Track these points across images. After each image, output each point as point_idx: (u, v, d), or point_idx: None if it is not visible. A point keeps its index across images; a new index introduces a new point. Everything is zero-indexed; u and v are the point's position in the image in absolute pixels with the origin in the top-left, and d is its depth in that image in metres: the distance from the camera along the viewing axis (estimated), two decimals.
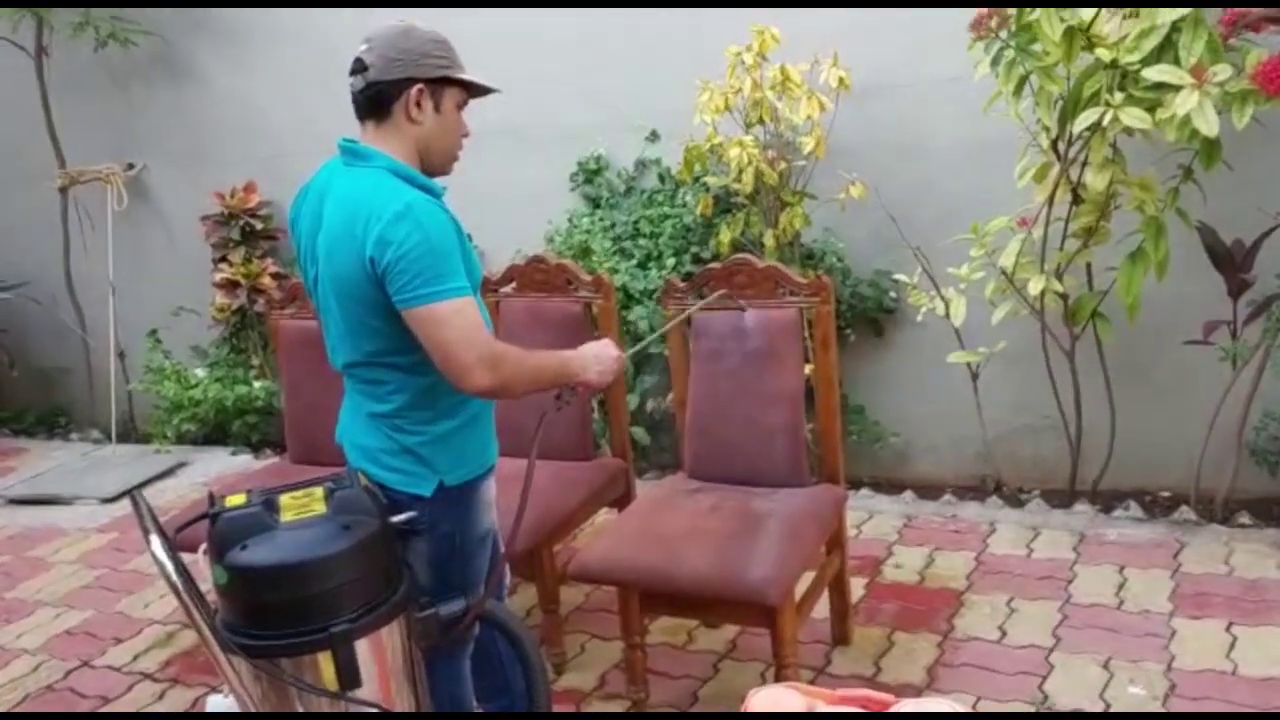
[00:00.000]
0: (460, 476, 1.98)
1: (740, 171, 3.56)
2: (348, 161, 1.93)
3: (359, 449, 2.01)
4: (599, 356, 2.09)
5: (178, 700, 2.95)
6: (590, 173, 4.29)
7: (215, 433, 5.15)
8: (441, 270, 1.80)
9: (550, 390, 2.04)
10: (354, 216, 1.83)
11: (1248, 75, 2.72)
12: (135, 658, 3.23)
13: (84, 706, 2.97)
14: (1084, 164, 3.11)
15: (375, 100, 1.90)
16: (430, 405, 1.94)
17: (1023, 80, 3.04)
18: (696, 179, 3.89)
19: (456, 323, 1.80)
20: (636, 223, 4.11)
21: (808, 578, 2.63)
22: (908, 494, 3.82)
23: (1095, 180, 3.06)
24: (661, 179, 4.18)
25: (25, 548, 4.19)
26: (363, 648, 1.63)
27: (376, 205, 1.81)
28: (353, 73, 1.91)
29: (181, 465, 4.95)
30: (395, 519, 1.75)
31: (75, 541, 4.21)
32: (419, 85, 1.89)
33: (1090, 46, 2.91)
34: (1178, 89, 2.74)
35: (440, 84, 1.92)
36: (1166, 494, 3.57)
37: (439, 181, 1.99)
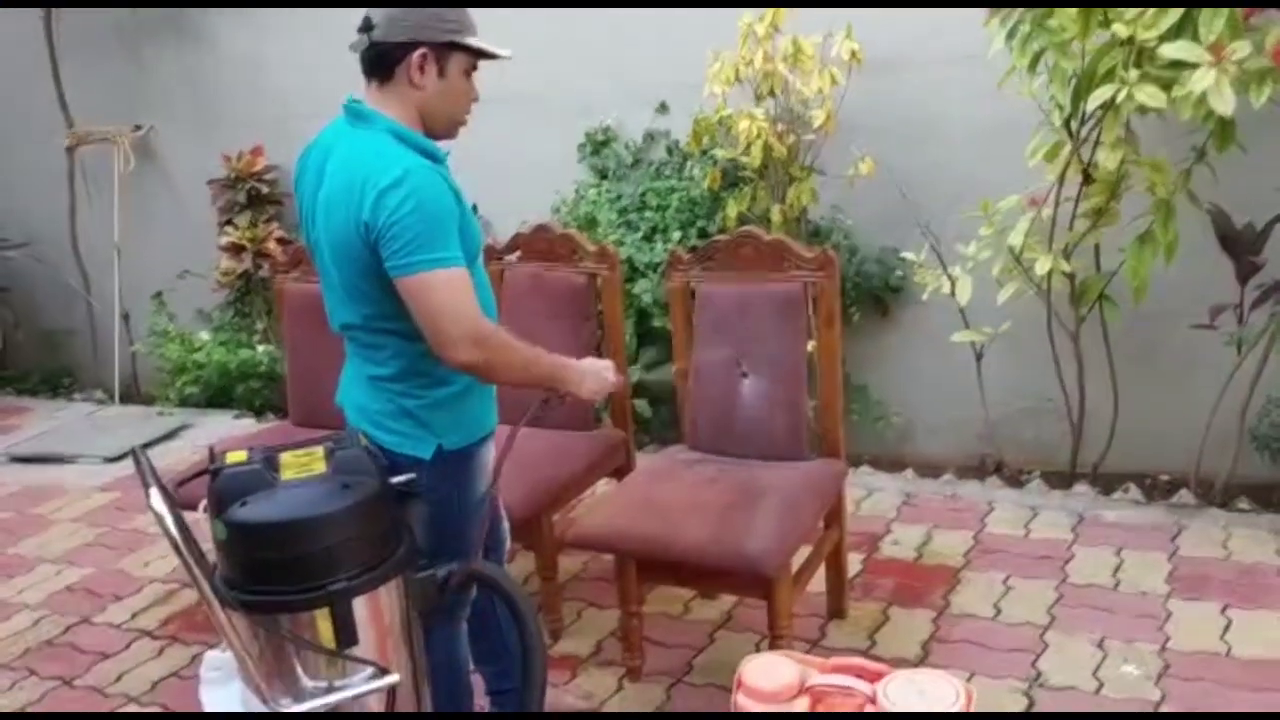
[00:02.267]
0: (459, 441, 1.99)
1: (749, 145, 3.54)
2: (351, 122, 1.92)
3: (359, 410, 2.01)
4: (597, 374, 2.08)
5: (176, 657, 2.98)
6: (598, 144, 4.27)
7: (218, 396, 5.16)
8: (434, 239, 1.78)
9: (537, 389, 2.01)
10: (352, 180, 1.82)
11: (1268, 53, 2.69)
12: (134, 615, 3.25)
13: (83, 661, 3.00)
14: (1096, 144, 3.09)
15: (379, 60, 1.88)
16: (429, 370, 1.93)
17: (1037, 56, 3.01)
18: (705, 152, 3.87)
19: (445, 293, 1.79)
20: (643, 195, 4.09)
21: (805, 551, 2.64)
22: (908, 472, 3.83)
23: (1107, 160, 3.04)
24: (670, 151, 4.17)
25: (28, 505, 4.21)
26: (360, 607, 1.63)
27: (374, 170, 1.79)
28: (360, 30, 1.89)
29: (184, 428, 4.96)
30: (395, 480, 1.75)
31: (77, 500, 4.23)
32: (423, 50, 1.86)
33: (1107, 22, 2.88)
34: (1195, 66, 2.71)
35: (446, 48, 1.89)
36: (1166, 477, 3.57)
37: (443, 145, 1.97)
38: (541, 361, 1.98)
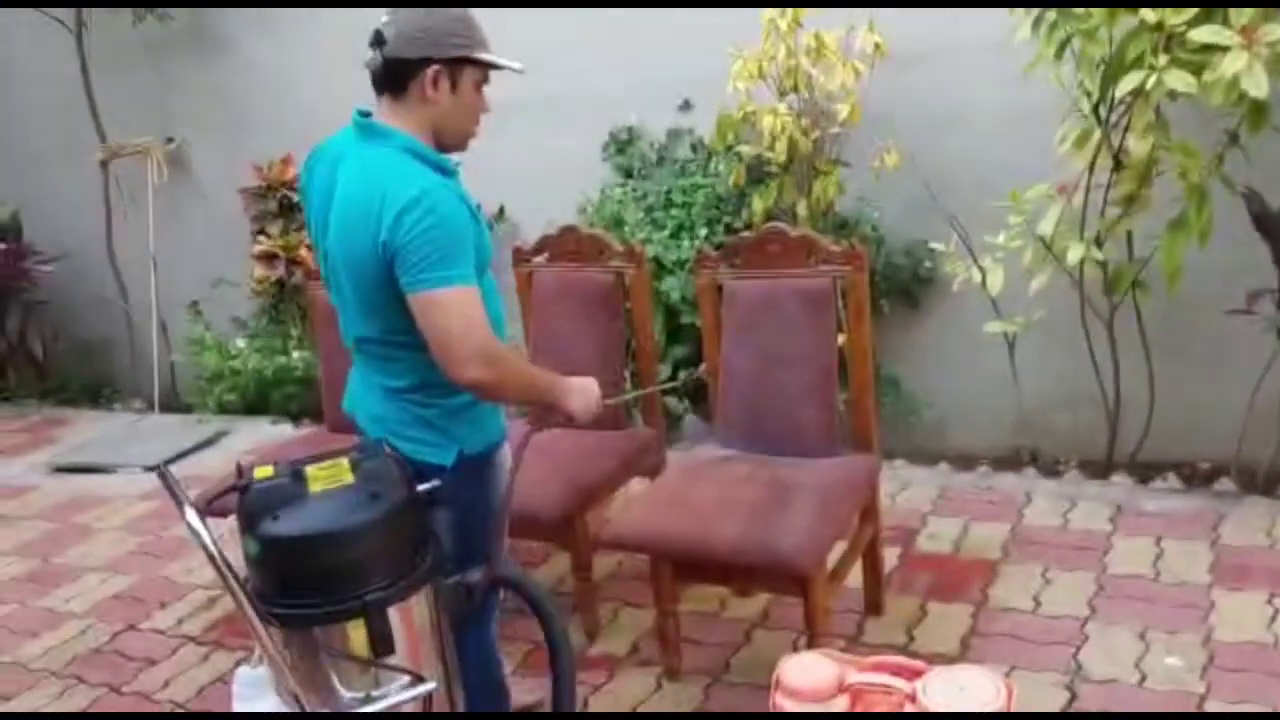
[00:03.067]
0: (479, 445, 2.00)
1: (774, 140, 3.53)
2: (363, 136, 1.92)
3: (375, 420, 2.03)
4: (584, 390, 2.09)
5: (221, 663, 3.02)
6: (622, 143, 4.28)
7: (256, 402, 5.22)
8: (448, 257, 1.80)
9: (534, 406, 2.03)
10: (370, 198, 1.82)
11: None
12: (180, 621, 3.30)
13: (130, 668, 3.05)
14: (1126, 129, 3.05)
15: (392, 76, 1.89)
16: (444, 380, 1.93)
17: (1064, 44, 2.98)
18: (729, 148, 3.86)
19: (457, 311, 1.80)
20: (669, 193, 4.09)
21: (840, 547, 2.63)
22: (943, 465, 3.80)
23: (1137, 146, 3.00)
24: (694, 149, 4.16)
25: (72, 515, 4.29)
26: (392, 615, 1.65)
27: (393, 189, 1.80)
28: (371, 45, 1.89)
29: (223, 434, 5.03)
30: (421, 487, 1.77)
31: (120, 509, 4.30)
32: (436, 66, 1.87)
33: (1134, 8, 2.84)
34: (1225, 50, 2.67)
35: (459, 64, 1.89)
36: (1206, 465, 3.52)
37: (454, 157, 1.99)
38: (540, 378, 2.05)
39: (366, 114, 1.94)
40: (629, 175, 4.27)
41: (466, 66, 1.91)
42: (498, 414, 2.09)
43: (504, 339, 1.99)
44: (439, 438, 1.97)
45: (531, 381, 2.02)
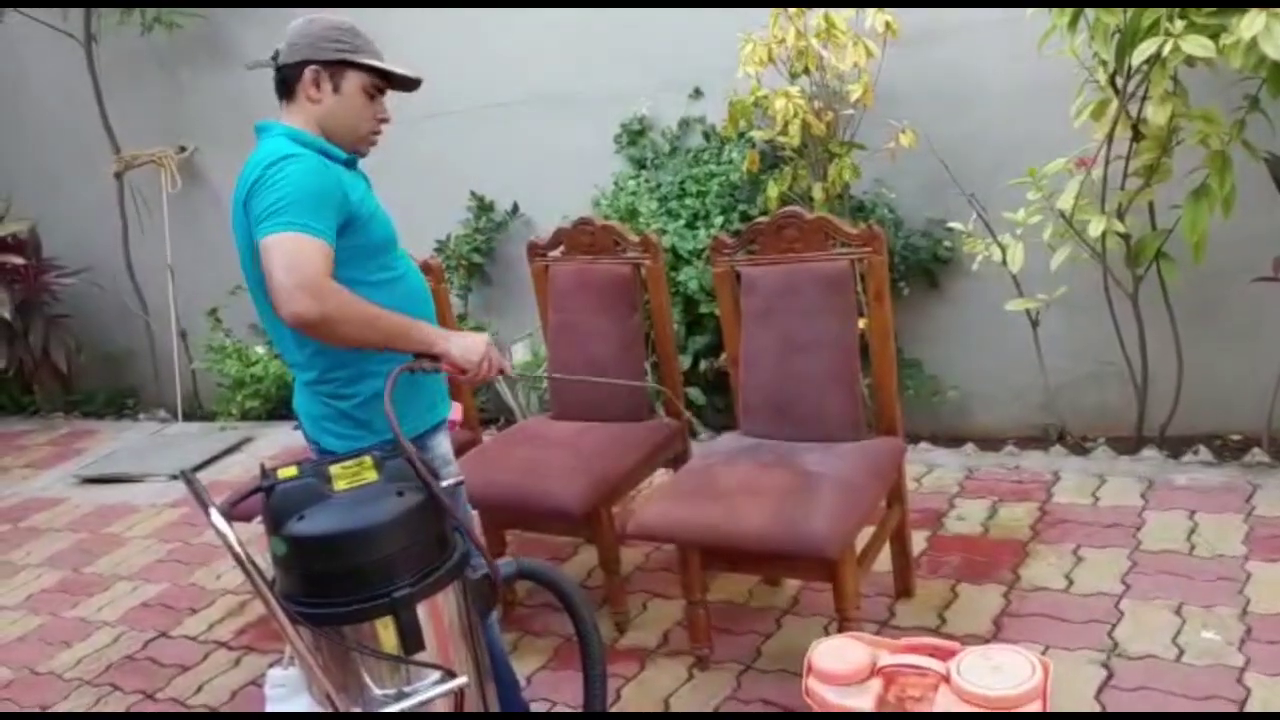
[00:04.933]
0: (405, 433, 1.90)
1: (786, 124, 3.50)
2: (257, 139, 2.01)
3: (307, 417, 2.08)
4: (471, 341, 1.99)
5: (253, 666, 3.03)
6: (634, 134, 4.26)
7: (278, 408, 5.25)
8: (289, 206, 1.81)
9: (402, 351, 1.94)
10: (242, 180, 1.91)
11: None
12: (210, 627, 3.32)
13: (163, 675, 3.06)
14: (1144, 98, 3.01)
15: (282, 83, 2.03)
16: (352, 363, 1.97)
17: (1078, 14, 2.94)
18: (742, 134, 3.83)
19: (282, 250, 1.78)
20: (682, 182, 4.07)
21: (868, 532, 2.61)
22: (968, 446, 3.77)
23: (1156, 115, 2.96)
24: (706, 137, 4.14)
25: (101, 525, 4.32)
26: (421, 611, 1.64)
27: (254, 160, 1.90)
28: (271, 60, 2.04)
29: (246, 441, 5.06)
30: (445, 483, 1.76)
31: (148, 517, 4.32)
32: (315, 66, 1.98)
33: None
34: (1243, 12, 2.62)
35: (339, 67, 2.00)
36: (1237, 437, 3.47)
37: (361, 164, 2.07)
38: (392, 318, 1.90)
39: (262, 122, 2.05)
40: (642, 166, 4.26)
41: (348, 70, 2.00)
42: (429, 403, 2.08)
43: (422, 317, 2.00)
44: (357, 430, 1.98)
45: (377, 319, 1.87)
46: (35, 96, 5.84)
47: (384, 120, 2.09)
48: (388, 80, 2.06)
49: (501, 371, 2.05)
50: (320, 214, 1.84)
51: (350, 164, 2.04)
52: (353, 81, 2.01)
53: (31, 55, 5.70)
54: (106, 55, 5.35)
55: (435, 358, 1.95)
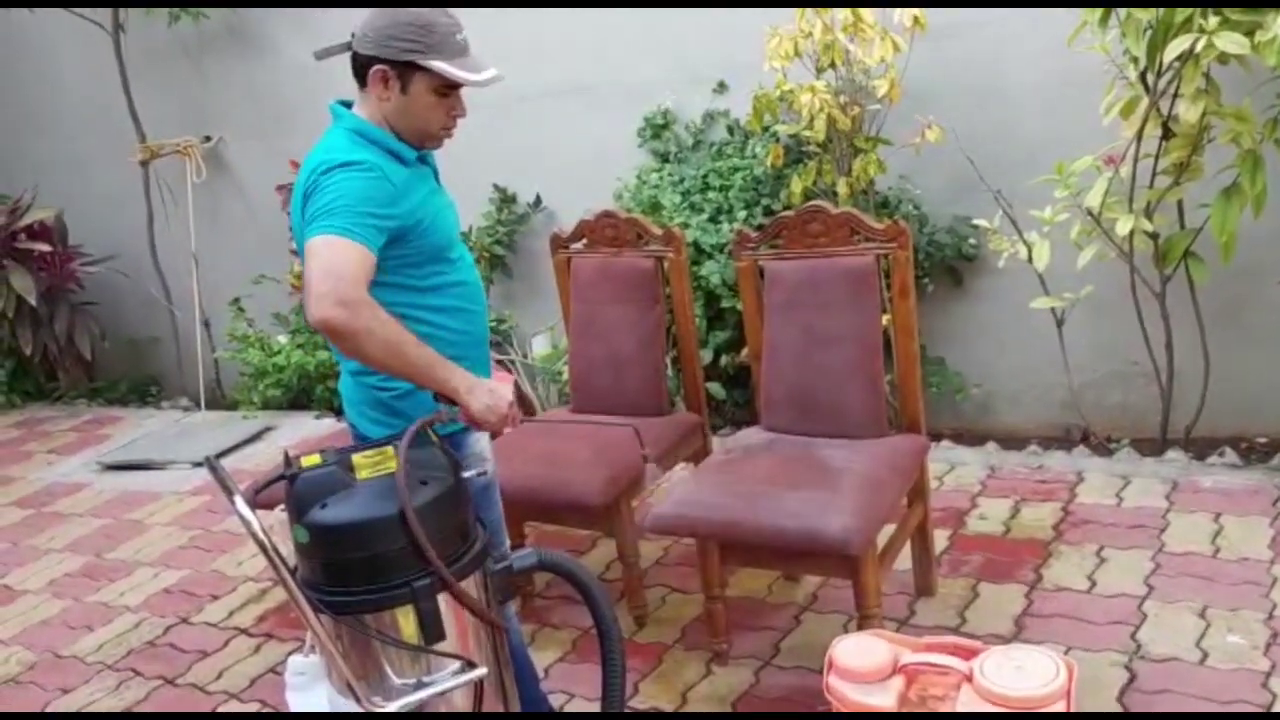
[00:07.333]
0: (440, 428, 1.92)
1: (812, 118, 3.47)
2: (332, 120, 1.99)
3: (347, 401, 2.10)
4: (494, 389, 1.91)
5: (273, 654, 3.04)
6: (658, 127, 4.25)
7: (300, 398, 5.27)
8: (346, 212, 1.79)
9: (425, 388, 1.90)
10: (304, 173, 1.90)
11: None
12: (231, 614, 3.33)
13: (184, 661, 3.08)
14: (1175, 96, 2.98)
15: (355, 69, 1.96)
16: None
17: (1109, 10, 2.91)
18: (766, 129, 3.81)
19: (325, 255, 1.76)
20: (706, 176, 4.05)
21: (889, 530, 2.60)
22: (991, 445, 3.74)
23: (1187, 112, 2.93)
24: (730, 131, 4.12)
25: (123, 511, 4.35)
26: (442, 602, 1.64)
27: (315, 159, 1.88)
28: (345, 46, 1.98)
29: (268, 430, 5.08)
30: (467, 474, 1.76)
31: (170, 504, 4.35)
32: (382, 66, 1.89)
33: None
34: (1278, 9, 2.59)
35: (407, 68, 1.90)
36: (1264, 440, 3.43)
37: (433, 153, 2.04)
38: (423, 353, 1.82)
39: (347, 104, 2.01)
40: (665, 159, 4.24)
41: (416, 71, 1.90)
42: None
43: (471, 322, 2.02)
44: (394, 419, 1.98)
45: (402, 346, 1.79)
46: (63, 85, 5.88)
47: (458, 115, 2.00)
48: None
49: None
50: (367, 222, 1.82)
51: (421, 159, 2.00)
52: (421, 83, 1.91)
53: (59, 45, 5.74)
54: (133, 45, 5.38)
55: (453, 401, 1.89)
